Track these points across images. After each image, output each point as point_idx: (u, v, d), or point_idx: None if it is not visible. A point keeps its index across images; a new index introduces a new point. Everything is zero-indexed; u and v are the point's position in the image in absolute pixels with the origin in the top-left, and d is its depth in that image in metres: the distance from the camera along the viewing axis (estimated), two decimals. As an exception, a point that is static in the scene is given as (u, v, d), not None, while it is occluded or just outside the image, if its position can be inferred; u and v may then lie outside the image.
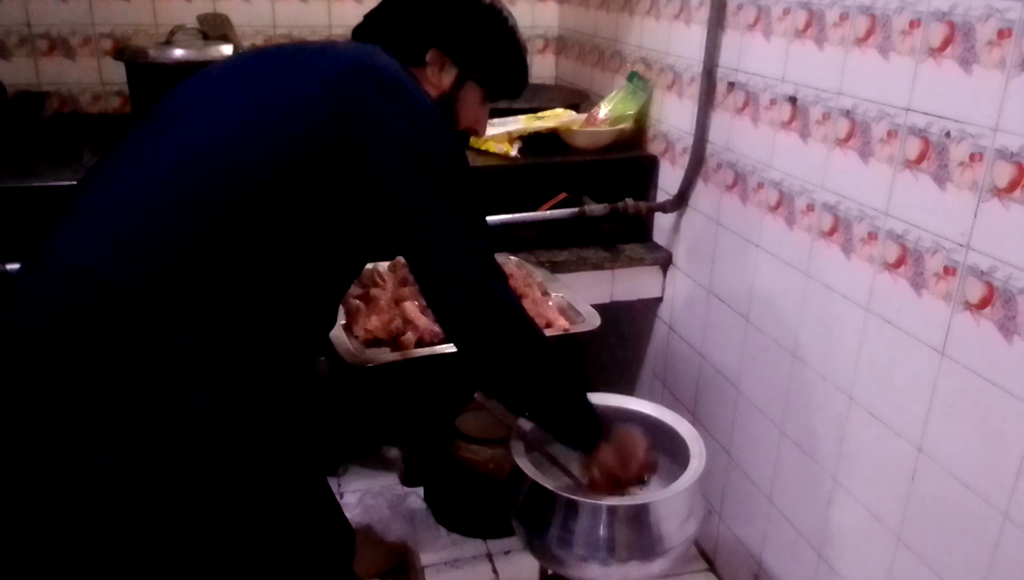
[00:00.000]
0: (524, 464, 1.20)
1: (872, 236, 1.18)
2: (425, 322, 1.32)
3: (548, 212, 1.75)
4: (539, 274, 1.58)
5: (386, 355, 1.30)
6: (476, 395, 1.28)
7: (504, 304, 1.02)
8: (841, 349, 1.26)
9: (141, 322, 0.85)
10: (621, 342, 2.13)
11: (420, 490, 1.87)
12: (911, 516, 1.13)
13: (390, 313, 1.34)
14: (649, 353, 1.99)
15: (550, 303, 1.46)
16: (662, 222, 1.86)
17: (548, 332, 1.35)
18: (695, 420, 1.70)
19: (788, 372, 1.41)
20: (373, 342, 1.32)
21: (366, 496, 1.79)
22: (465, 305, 0.98)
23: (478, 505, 1.78)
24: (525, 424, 1.29)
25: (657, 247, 1.87)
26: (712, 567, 1.72)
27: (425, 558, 1.71)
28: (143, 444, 0.85)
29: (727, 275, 1.60)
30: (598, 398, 1.38)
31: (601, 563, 1.14)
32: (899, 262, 1.13)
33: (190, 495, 0.89)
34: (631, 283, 1.85)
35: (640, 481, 1.20)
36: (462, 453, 1.78)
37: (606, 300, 1.84)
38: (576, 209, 1.74)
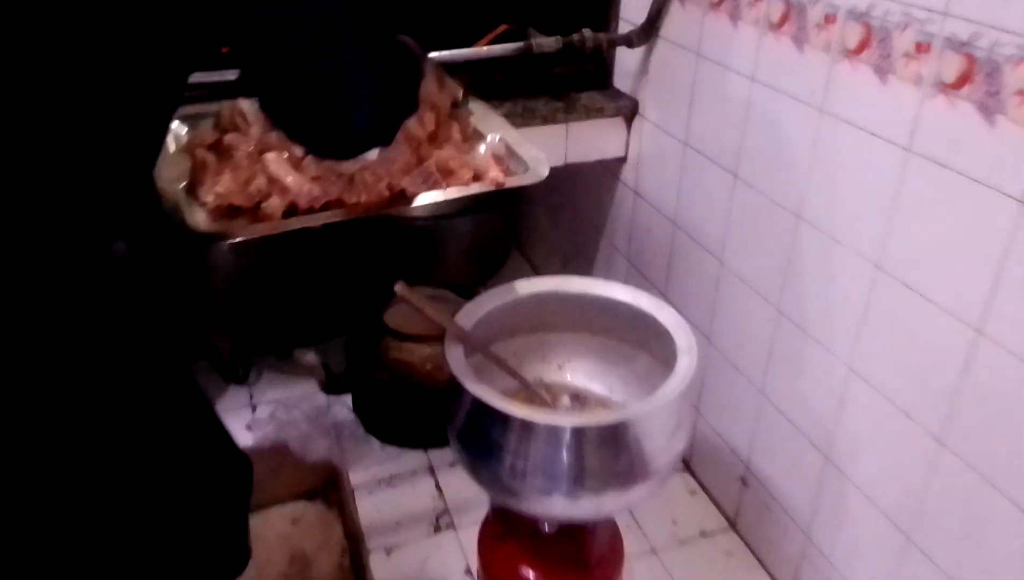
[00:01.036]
0: (464, 373, 0.91)
1: (922, 47, 0.87)
2: (298, 181, 0.95)
3: (485, 48, 1.39)
4: (470, 109, 1.18)
5: (243, 228, 0.94)
6: (396, 288, 0.97)
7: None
8: (866, 205, 0.98)
9: None
10: (574, 213, 1.83)
11: (347, 398, 1.59)
12: (959, 413, 0.88)
13: (250, 169, 0.97)
14: (608, 225, 1.69)
15: (481, 149, 1.11)
16: (625, 63, 1.51)
17: (477, 187, 1.04)
18: (667, 301, 1.44)
19: (790, 238, 1.12)
20: (229, 211, 0.95)
21: (278, 409, 1.49)
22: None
23: (415, 412, 1.50)
24: (463, 322, 1.00)
25: (620, 95, 1.53)
26: (688, 467, 1.50)
27: (355, 477, 1.45)
28: None
29: (710, 122, 1.29)
30: (552, 282, 1.10)
31: (566, 495, 0.88)
32: (963, 80, 0.83)
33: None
34: (589, 140, 1.52)
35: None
36: (393, 354, 1.49)
37: (559, 163, 1.52)
38: (520, 44, 1.38)
